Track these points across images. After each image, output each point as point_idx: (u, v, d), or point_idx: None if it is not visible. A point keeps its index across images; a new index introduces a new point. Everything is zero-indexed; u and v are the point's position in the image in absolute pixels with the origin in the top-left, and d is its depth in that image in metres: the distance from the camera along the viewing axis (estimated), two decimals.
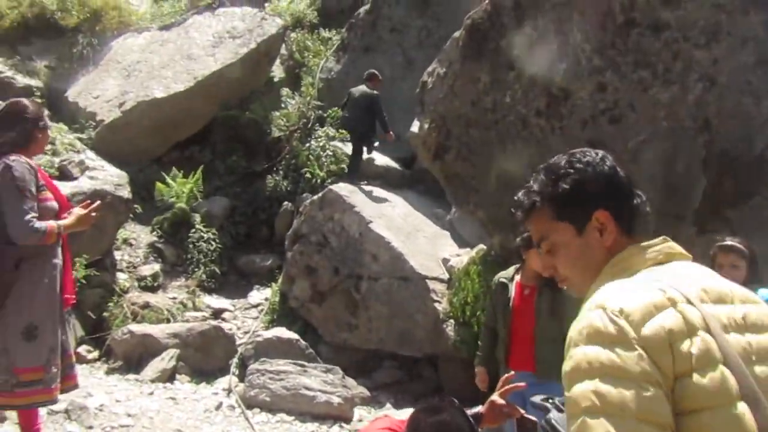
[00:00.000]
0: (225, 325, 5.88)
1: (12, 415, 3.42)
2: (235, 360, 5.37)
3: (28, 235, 2.69)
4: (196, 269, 6.89)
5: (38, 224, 2.70)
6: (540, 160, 1.38)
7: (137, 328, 5.35)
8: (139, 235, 7.09)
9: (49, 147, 6.60)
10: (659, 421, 0.91)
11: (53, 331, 2.83)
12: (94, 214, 2.94)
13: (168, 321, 5.85)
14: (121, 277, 6.35)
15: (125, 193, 6.40)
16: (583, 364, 0.96)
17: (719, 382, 0.93)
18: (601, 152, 1.20)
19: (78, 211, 2.95)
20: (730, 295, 1.05)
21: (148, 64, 8.15)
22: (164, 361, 5.01)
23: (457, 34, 4.95)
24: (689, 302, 0.99)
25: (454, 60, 4.86)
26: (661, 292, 1.00)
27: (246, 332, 6.00)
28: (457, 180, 5.03)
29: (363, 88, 7.23)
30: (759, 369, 0.98)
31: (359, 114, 7.10)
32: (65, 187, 5.93)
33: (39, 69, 8.11)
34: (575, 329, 1.01)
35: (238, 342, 5.65)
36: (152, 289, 6.47)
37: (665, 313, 0.97)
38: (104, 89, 7.98)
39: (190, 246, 7.06)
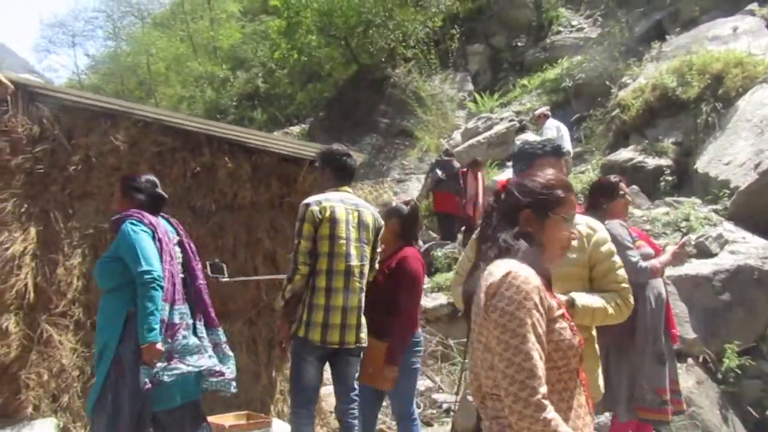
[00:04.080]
0: None
1: None
2: None
3: (638, 272, 3.28)
4: None
5: (642, 263, 3.37)
6: None
7: None
8: None
9: (684, 223, 6.44)
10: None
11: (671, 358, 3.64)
12: (688, 249, 3.74)
13: None
14: None
15: None
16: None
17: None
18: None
19: (671, 248, 3.74)
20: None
21: None
22: None
23: None
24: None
25: None
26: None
27: None
28: None
29: None
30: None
31: None
32: (705, 265, 5.58)
33: (666, 147, 8.22)
34: None
35: None
36: None
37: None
38: (734, 153, 7.33)
39: None
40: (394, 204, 3.75)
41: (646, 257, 3.49)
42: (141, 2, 27.91)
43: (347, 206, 3.36)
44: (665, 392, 3.41)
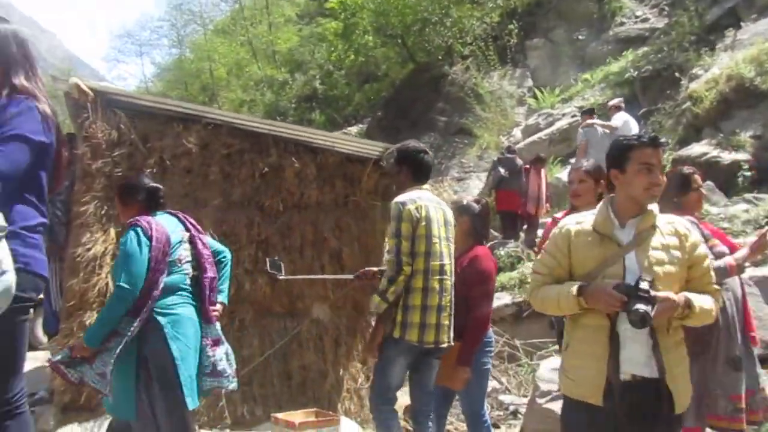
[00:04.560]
0: None
1: None
2: None
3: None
4: None
5: (716, 263, 3.07)
6: None
7: None
8: None
9: (765, 221, 6.10)
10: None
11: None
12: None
13: None
14: None
15: None
16: None
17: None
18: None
19: (750, 241, 3.53)
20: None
21: None
22: None
23: None
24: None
25: None
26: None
27: None
28: None
29: None
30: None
31: None
32: None
33: (744, 141, 7.82)
34: None
35: None
36: None
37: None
38: None
39: None
40: (464, 202, 3.69)
41: (719, 256, 3.23)
42: (203, 10, 28.80)
43: (435, 204, 3.33)
44: (740, 399, 3.15)
